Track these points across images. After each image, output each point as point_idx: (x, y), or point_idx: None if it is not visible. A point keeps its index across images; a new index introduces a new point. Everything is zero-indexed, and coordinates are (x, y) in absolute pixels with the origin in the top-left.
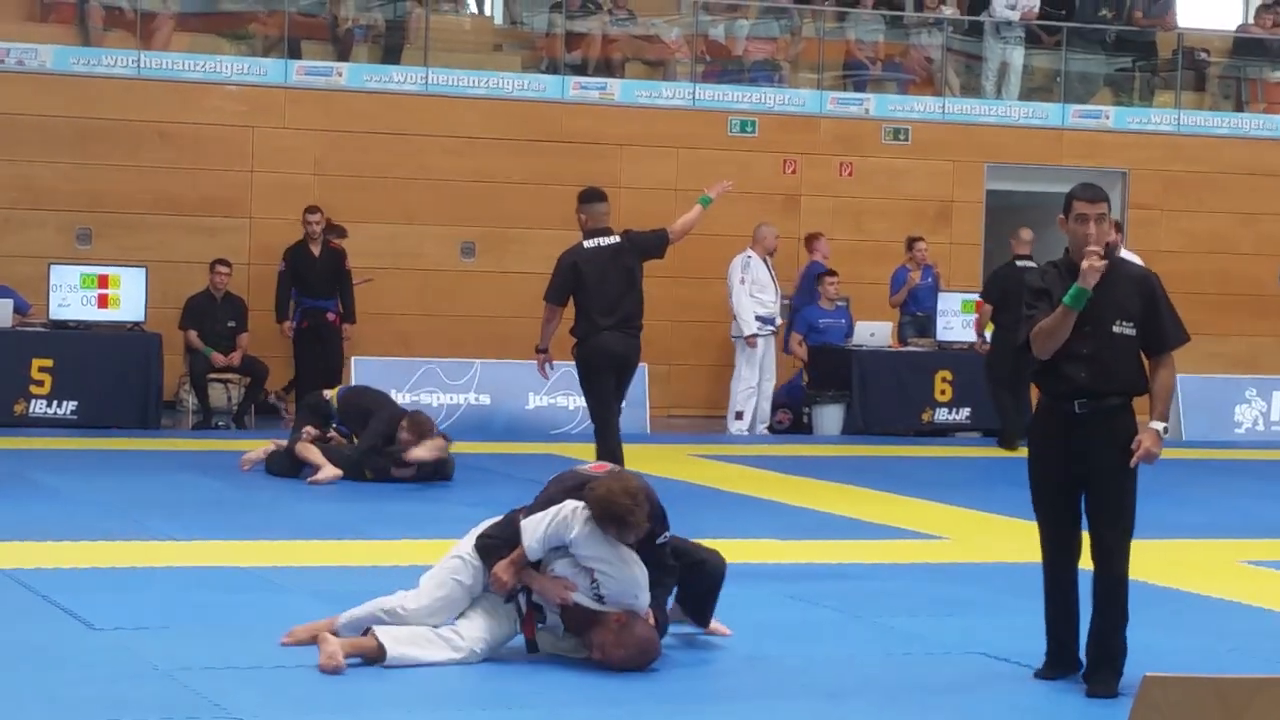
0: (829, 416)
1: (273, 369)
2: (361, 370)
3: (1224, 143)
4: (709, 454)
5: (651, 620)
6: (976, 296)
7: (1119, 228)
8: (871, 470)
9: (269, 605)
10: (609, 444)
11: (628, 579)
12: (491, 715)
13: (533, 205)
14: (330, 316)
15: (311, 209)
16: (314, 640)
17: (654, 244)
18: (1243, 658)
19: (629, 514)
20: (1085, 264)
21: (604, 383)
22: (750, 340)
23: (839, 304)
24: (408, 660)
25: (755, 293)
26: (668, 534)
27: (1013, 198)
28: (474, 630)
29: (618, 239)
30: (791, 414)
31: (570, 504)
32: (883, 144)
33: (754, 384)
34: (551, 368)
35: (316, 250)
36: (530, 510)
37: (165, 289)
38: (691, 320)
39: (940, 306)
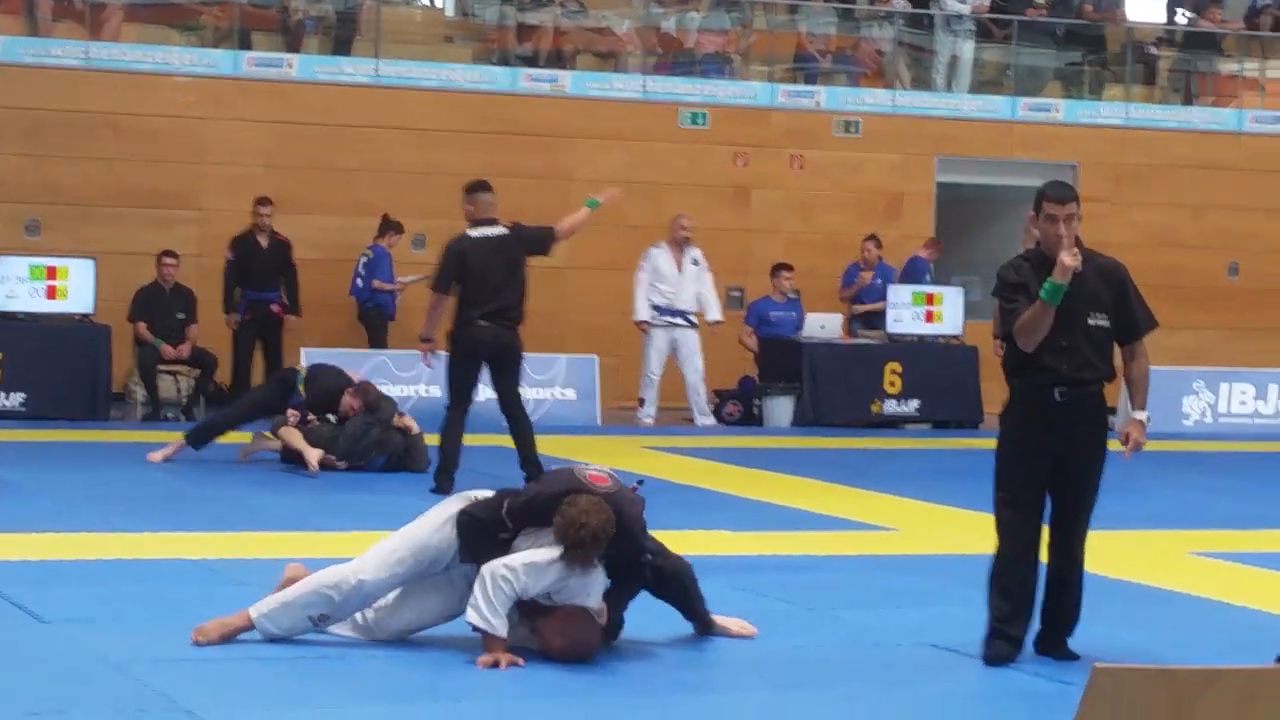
0: (779, 408)
1: (221, 361)
2: (311, 362)
3: (1173, 136)
4: (661, 446)
5: (604, 618)
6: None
7: None
8: (821, 462)
9: (220, 598)
10: (451, 436)
11: (577, 587)
12: (441, 707)
13: None
14: (274, 308)
15: (262, 200)
16: (224, 639)
17: (540, 240)
18: (1193, 649)
19: (580, 547)
20: (1062, 257)
21: (466, 373)
22: (640, 326)
23: (790, 297)
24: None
25: (655, 281)
26: (648, 555)
27: (963, 190)
28: (411, 610)
29: (505, 230)
30: (742, 406)
31: (501, 571)
32: (833, 136)
33: (653, 374)
34: (435, 356)
35: (264, 241)
36: (517, 499)
37: (116, 280)
38: None
39: (890, 299)
